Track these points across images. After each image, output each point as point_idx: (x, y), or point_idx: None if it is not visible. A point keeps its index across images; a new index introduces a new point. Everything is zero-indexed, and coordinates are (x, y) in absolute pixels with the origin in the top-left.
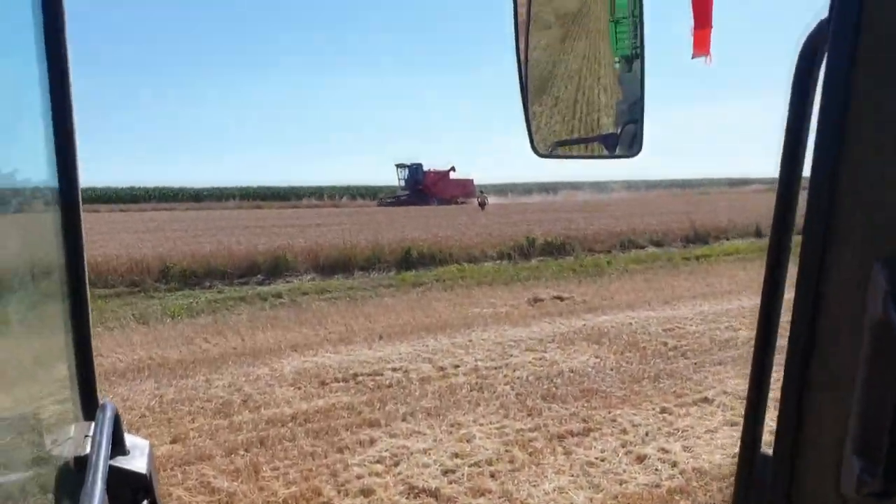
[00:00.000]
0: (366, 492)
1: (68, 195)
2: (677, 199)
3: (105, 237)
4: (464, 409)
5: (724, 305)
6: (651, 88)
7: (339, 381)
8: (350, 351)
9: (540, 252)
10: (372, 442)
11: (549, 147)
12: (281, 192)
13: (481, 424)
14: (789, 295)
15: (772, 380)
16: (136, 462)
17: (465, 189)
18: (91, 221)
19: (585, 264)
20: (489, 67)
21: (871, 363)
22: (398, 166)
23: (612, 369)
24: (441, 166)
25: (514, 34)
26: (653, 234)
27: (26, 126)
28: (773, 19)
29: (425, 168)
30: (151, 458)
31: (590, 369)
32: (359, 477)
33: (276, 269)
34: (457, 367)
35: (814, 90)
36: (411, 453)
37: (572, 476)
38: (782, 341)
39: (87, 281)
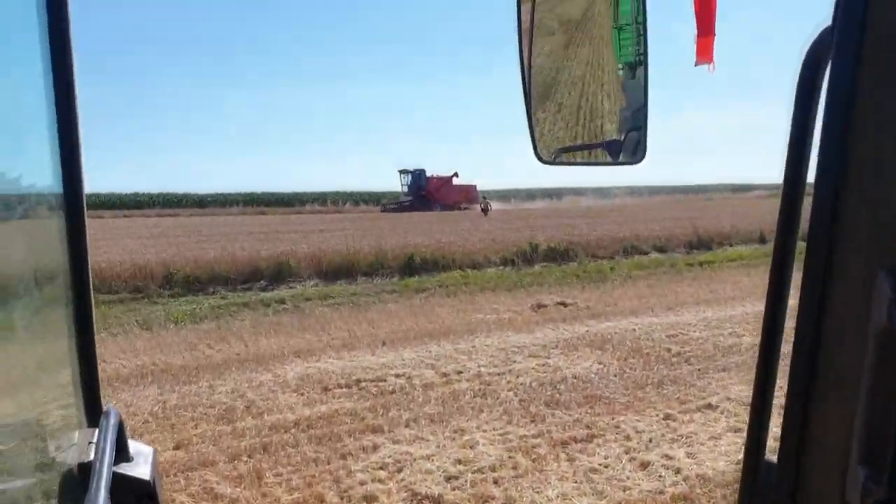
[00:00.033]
0: (369, 498)
1: (73, 201)
2: (680, 204)
3: (109, 243)
4: (467, 416)
5: (727, 311)
6: (654, 95)
7: (342, 387)
8: (353, 357)
9: (543, 258)
10: (375, 448)
11: (553, 154)
12: (284, 198)
13: (484, 431)
14: (793, 301)
15: (776, 386)
16: (140, 469)
17: (468, 195)
18: (95, 227)
19: (589, 270)
20: (493, 73)
21: (875, 371)
22: (401, 172)
23: (615, 375)
24: (444, 172)
25: (517, 40)
26: (656, 239)
27: (32, 132)
28: (776, 26)
29: (428, 174)
30: (155, 464)
31: (593, 375)
32: (362, 483)
33: (279, 274)
34: (460, 373)
35: (817, 97)
36: (414, 459)
37: (576, 482)
38: (786, 347)
39: (91, 287)
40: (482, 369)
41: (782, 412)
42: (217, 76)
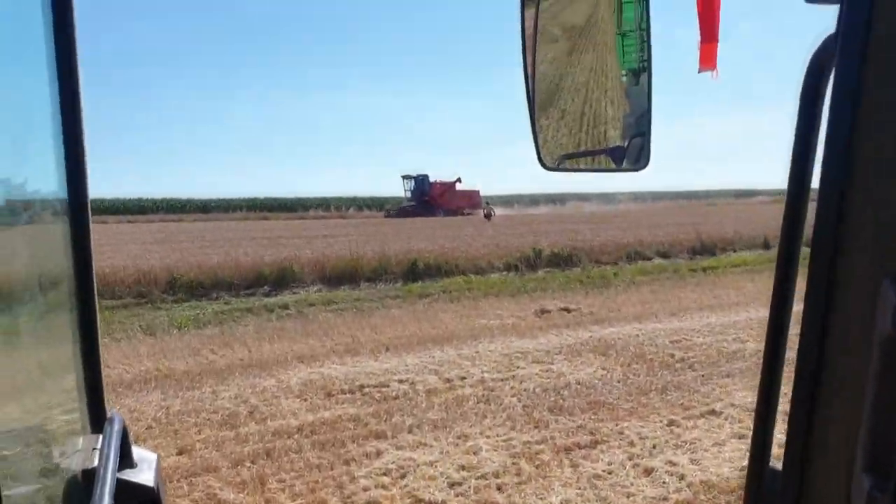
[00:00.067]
0: None
1: (78, 207)
2: (684, 210)
3: (113, 248)
4: (470, 422)
5: (731, 317)
6: (658, 101)
7: (345, 393)
8: (356, 362)
9: (546, 263)
10: (378, 454)
11: (556, 160)
12: (288, 204)
13: (488, 437)
14: (798, 306)
15: (780, 393)
16: (144, 475)
17: (472, 200)
18: (99, 232)
19: (592, 276)
20: (496, 79)
21: (880, 379)
22: (404, 177)
23: (619, 381)
24: (447, 177)
25: (521, 47)
26: (659, 245)
27: (37, 138)
28: (779, 32)
29: (431, 179)
30: (159, 471)
31: (597, 381)
32: (365, 489)
33: (282, 280)
34: (463, 378)
35: (821, 104)
36: (418, 465)
37: (579, 489)
38: (791, 353)
39: (95, 293)
40: (486, 375)
41: (786, 419)
42: (221, 83)
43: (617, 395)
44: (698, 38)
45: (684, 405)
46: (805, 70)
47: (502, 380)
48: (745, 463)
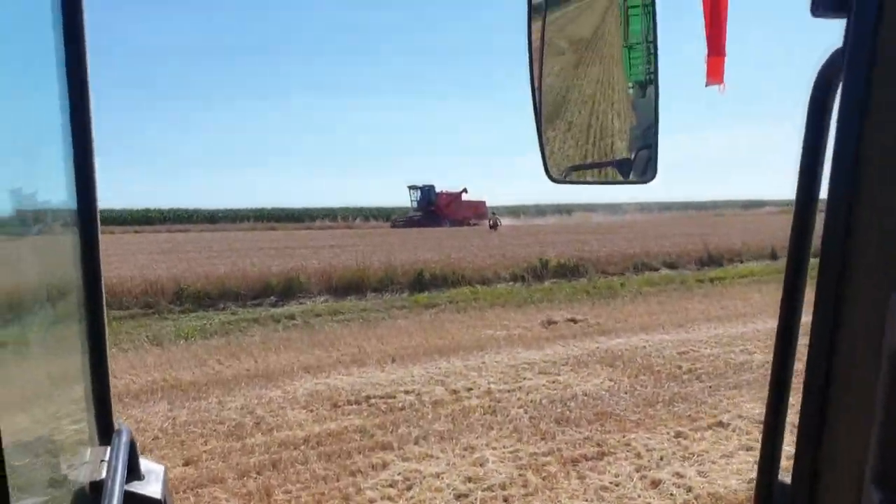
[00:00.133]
0: None
1: (87, 218)
2: (691, 221)
3: (120, 258)
4: (477, 433)
5: (738, 328)
6: (665, 113)
7: (351, 404)
8: (362, 373)
9: (553, 274)
10: (384, 465)
11: (563, 172)
12: (295, 214)
13: (494, 448)
14: (807, 318)
15: (789, 405)
16: (151, 487)
17: (478, 210)
18: (106, 243)
19: (599, 286)
20: (502, 90)
21: (889, 391)
22: (411, 188)
23: (626, 392)
24: (453, 188)
25: (528, 59)
26: (666, 256)
27: (47, 149)
28: (787, 44)
29: (438, 190)
30: (166, 483)
31: (604, 392)
32: (371, 501)
33: (289, 290)
34: (470, 389)
35: (828, 118)
36: (424, 477)
37: (586, 501)
38: (799, 365)
39: (104, 305)
40: (492, 386)
41: (795, 431)
42: (229, 94)
43: (624, 407)
44: (705, 52)
45: (692, 417)
46: (812, 84)
47: (509, 391)
48: (754, 475)
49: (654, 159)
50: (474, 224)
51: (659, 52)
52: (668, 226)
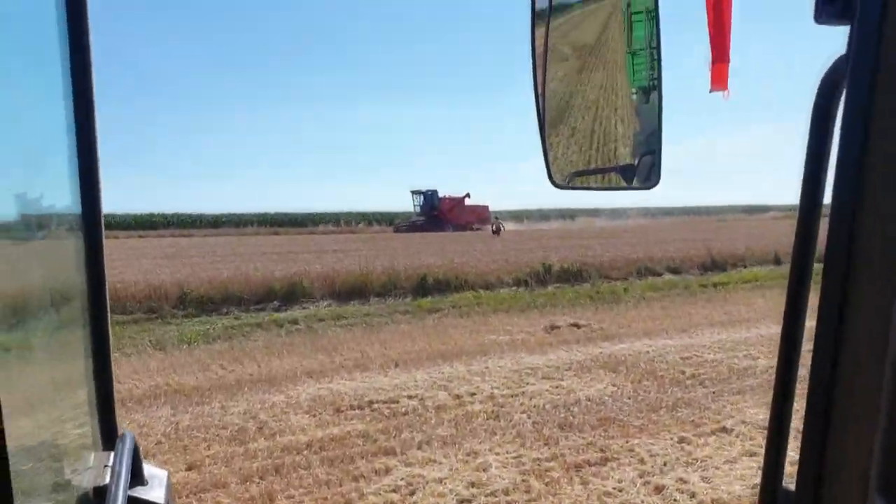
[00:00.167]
0: None
1: (91, 223)
2: (694, 225)
3: (124, 263)
4: (480, 438)
5: (742, 334)
6: (668, 119)
7: (354, 409)
8: (365, 378)
9: (556, 279)
10: (387, 470)
11: (567, 178)
12: (298, 219)
13: (497, 453)
14: (811, 323)
15: (793, 411)
16: (155, 492)
17: (481, 215)
18: (110, 247)
19: (602, 291)
20: (506, 95)
21: (894, 398)
22: (414, 193)
23: (629, 398)
24: (456, 193)
25: (531, 65)
26: (670, 261)
27: (52, 153)
28: (791, 48)
29: (441, 194)
30: (170, 488)
31: (607, 398)
32: None
33: (292, 295)
34: (473, 394)
35: (832, 125)
36: (427, 482)
37: None
38: (804, 370)
39: (108, 311)
40: (495, 391)
41: (799, 436)
42: (231, 99)
43: (627, 412)
44: (709, 57)
45: (695, 422)
46: (816, 91)
47: (512, 396)
48: (758, 481)
49: (657, 165)
50: (477, 229)
51: (662, 58)
52: (671, 230)
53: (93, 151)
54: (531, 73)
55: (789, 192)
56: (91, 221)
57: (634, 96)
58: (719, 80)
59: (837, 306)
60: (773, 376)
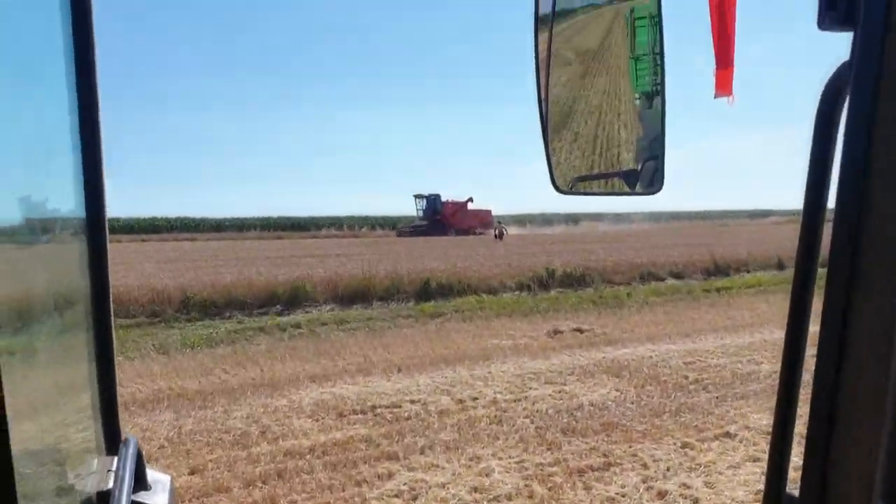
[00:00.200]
0: None
1: (95, 227)
2: (697, 230)
3: (127, 267)
4: (483, 443)
5: (745, 338)
6: (672, 124)
7: (357, 414)
8: (368, 382)
9: (559, 283)
10: (390, 475)
11: (570, 183)
12: (301, 223)
13: (500, 458)
14: (814, 328)
15: (797, 416)
16: (158, 497)
17: (483, 219)
18: (113, 251)
19: (605, 296)
20: (508, 99)
21: None
22: (416, 197)
23: (632, 403)
24: (459, 197)
25: (534, 71)
26: (673, 266)
27: (56, 158)
28: (794, 52)
29: (443, 199)
30: (173, 493)
31: (610, 403)
32: None
33: (295, 299)
34: (476, 399)
35: (836, 130)
36: (430, 487)
37: None
38: (807, 376)
39: (111, 316)
40: (498, 396)
41: (802, 441)
42: (234, 103)
43: (630, 417)
44: (714, 63)
45: (698, 427)
46: (820, 97)
47: (515, 401)
48: (761, 487)
49: (660, 170)
50: (480, 233)
51: (666, 63)
52: (674, 235)
53: (97, 155)
54: (534, 78)
55: (790, 197)
56: (95, 225)
57: (638, 101)
58: (724, 85)
59: (841, 311)
60: (777, 381)
